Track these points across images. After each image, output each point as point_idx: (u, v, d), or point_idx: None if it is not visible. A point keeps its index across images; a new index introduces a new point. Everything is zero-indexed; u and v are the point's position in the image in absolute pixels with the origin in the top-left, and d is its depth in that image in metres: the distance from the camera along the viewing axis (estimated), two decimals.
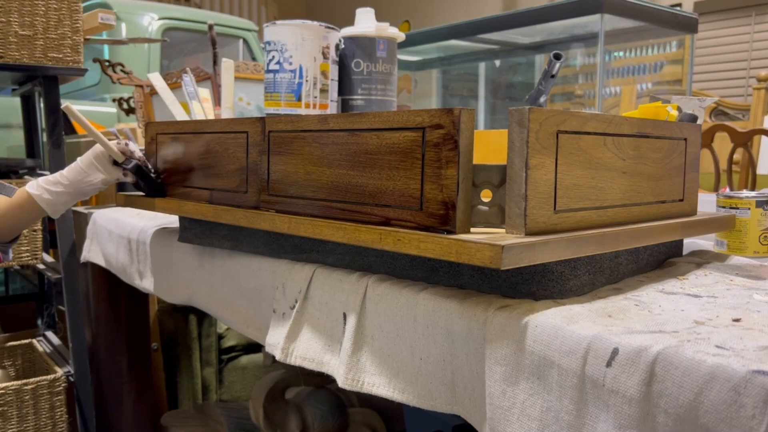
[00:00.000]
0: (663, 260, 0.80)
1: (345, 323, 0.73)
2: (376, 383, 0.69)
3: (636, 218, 0.72)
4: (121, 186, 1.54)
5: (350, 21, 1.12)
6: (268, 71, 1.06)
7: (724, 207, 0.85)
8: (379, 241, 0.65)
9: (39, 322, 2.03)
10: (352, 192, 0.71)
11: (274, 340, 0.81)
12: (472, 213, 0.63)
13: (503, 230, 0.61)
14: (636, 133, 0.71)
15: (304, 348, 0.78)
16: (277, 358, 0.79)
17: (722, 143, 2.30)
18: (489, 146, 0.80)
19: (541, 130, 0.59)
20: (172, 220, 1.19)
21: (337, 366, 0.73)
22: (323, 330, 0.77)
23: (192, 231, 1.02)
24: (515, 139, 0.59)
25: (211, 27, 1.68)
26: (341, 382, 0.70)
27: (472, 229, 0.62)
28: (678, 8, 3.39)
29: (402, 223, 0.65)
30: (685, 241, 0.93)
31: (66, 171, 1.04)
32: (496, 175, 0.62)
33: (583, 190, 0.65)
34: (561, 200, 0.62)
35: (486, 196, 0.63)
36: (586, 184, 0.65)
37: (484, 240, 0.56)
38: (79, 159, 1.04)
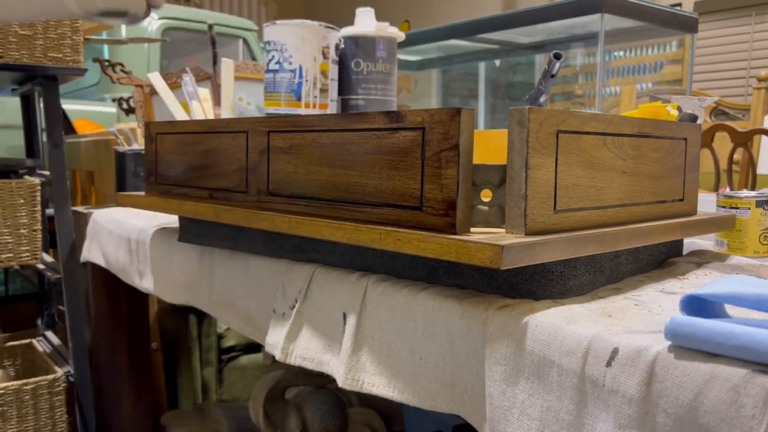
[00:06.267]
0: (663, 260, 0.80)
1: (345, 323, 0.73)
2: (376, 383, 0.69)
3: (636, 218, 0.72)
4: (120, 186, 1.55)
5: (350, 21, 1.12)
6: (268, 71, 1.06)
7: (724, 207, 0.85)
8: (379, 240, 0.65)
9: (39, 322, 2.03)
10: (351, 192, 0.71)
11: (274, 340, 0.81)
12: (472, 213, 0.63)
13: (503, 230, 0.61)
14: (636, 133, 0.71)
15: (303, 348, 0.78)
16: (277, 358, 0.79)
17: (722, 143, 2.30)
18: (488, 146, 0.80)
19: (541, 130, 0.59)
20: (172, 220, 1.19)
21: (336, 366, 0.73)
22: (323, 330, 0.76)
23: (191, 231, 1.02)
24: (515, 139, 0.59)
25: (211, 27, 1.68)
26: (341, 382, 0.70)
27: (472, 229, 0.62)
28: (678, 8, 3.39)
29: (402, 223, 0.65)
30: (685, 240, 0.93)
31: None
32: (495, 175, 0.62)
33: (583, 190, 0.65)
34: (561, 200, 0.62)
35: (486, 196, 0.63)
36: (586, 184, 0.65)
37: (484, 240, 0.56)
38: None
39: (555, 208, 0.61)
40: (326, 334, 0.76)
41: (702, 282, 0.70)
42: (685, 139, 0.79)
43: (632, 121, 0.71)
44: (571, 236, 0.60)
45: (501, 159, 0.62)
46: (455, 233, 0.60)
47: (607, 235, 0.64)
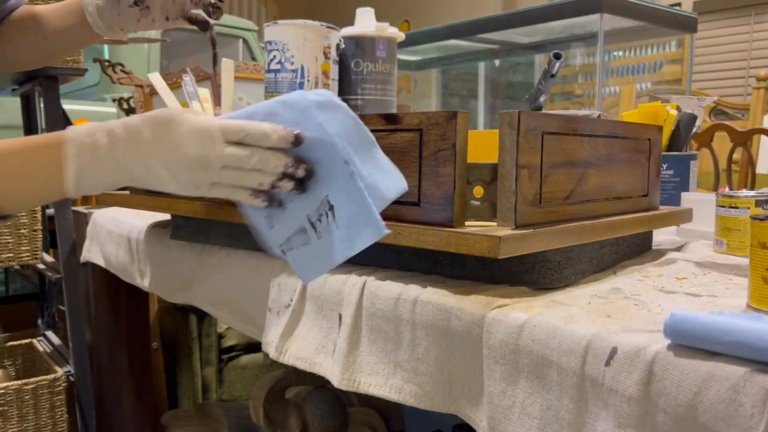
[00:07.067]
0: (638, 251, 0.85)
1: (341, 322, 0.73)
2: (372, 383, 0.69)
3: (609, 211, 0.78)
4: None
5: (350, 21, 1.13)
6: (269, 71, 1.06)
7: (723, 206, 0.85)
8: None
9: (39, 322, 2.03)
10: None
11: (269, 339, 0.81)
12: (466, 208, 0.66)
13: (494, 224, 0.65)
14: (608, 134, 0.77)
15: (298, 347, 0.78)
16: (272, 356, 0.79)
17: (721, 143, 2.30)
18: (479, 146, 0.81)
19: (529, 131, 0.63)
20: (168, 218, 1.19)
21: (331, 366, 0.73)
22: (318, 329, 0.76)
23: (185, 229, 1.01)
24: (506, 140, 0.63)
25: (211, 27, 1.67)
26: (336, 383, 0.70)
27: (466, 223, 0.66)
28: (677, 8, 3.39)
29: (400, 218, 0.68)
30: (680, 238, 0.93)
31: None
32: (487, 173, 0.65)
33: (565, 186, 0.69)
34: (546, 195, 0.67)
35: (478, 192, 0.66)
36: (567, 180, 0.70)
37: (480, 232, 0.60)
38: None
39: (540, 203, 0.66)
40: (322, 333, 0.76)
41: (701, 282, 0.70)
42: (649, 139, 0.85)
43: (605, 123, 0.77)
44: (556, 228, 0.65)
45: (490, 157, 0.66)
46: (452, 227, 0.64)
47: (587, 227, 0.69)
